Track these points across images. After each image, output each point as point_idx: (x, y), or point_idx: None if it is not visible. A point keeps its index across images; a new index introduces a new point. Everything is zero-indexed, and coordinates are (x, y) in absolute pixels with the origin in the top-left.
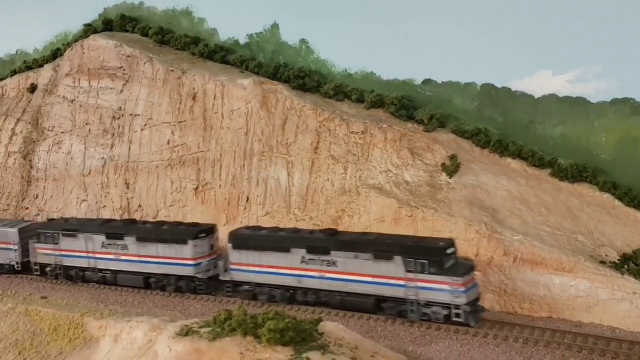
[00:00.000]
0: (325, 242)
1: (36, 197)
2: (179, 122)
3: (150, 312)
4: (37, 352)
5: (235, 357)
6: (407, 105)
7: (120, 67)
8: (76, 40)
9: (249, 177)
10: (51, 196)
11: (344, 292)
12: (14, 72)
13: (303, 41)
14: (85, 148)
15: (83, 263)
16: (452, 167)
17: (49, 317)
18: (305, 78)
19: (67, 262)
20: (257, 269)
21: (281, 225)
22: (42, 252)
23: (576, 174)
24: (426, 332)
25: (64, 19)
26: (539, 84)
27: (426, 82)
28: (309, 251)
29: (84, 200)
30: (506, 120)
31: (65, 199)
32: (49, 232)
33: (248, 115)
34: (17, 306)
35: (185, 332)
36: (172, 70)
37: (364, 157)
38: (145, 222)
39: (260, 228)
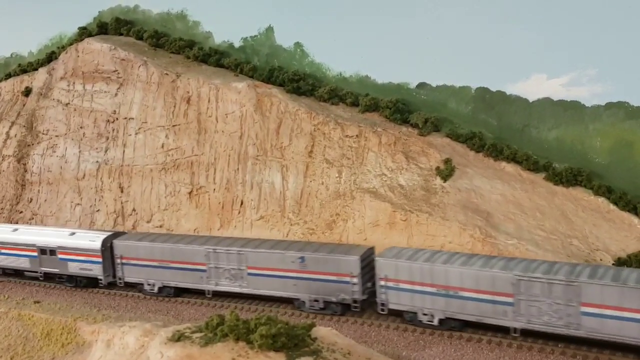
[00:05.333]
0: None
1: (30, 201)
2: (174, 125)
3: (143, 316)
4: (29, 357)
5: None
6: (402, 109)
7: (114, 71)
8: (71, 44)
9: (244, 181)
10: (45, 200)
11: None
12: (8, 76)
13: (298, 44)
14: (79, 152)
15: None
16: (446, 171)
17: (41, 321)
18: (300, 81)
19: None
20: None
21: (276, 230)
22: None
23: (571, 178)
24: (420, 337)
25: (59, 22)
26: (533, 87)
27: (421, 85)
28: None
29: (78, 204)
30: (501, 124)
31: (59, 202)
32: None
33: (242, 119)
34: (10, 311)
35: (177, 338)
36: (166, 74)
37: (359, 161)
38: None
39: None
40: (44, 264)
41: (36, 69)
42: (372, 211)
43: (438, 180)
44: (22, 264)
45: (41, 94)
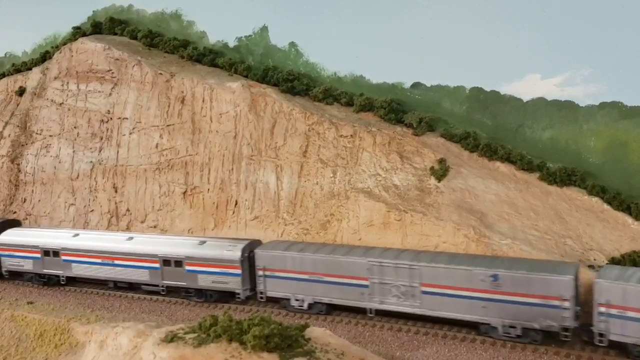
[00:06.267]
0: None
1: (24, 201)
2: (168, 125)
3: (137, 317)
4: (22, 358)
5: None
6: (396, 108)
7: (108, 70)
8: (65, 43)
9: (238, 181)
10: (39, 200)
11: None
12: (2, 75)
13: (292, 44)
14: (73, 152)
15: None
16: (441, 171)
17: (35, 322)
18: (295, 81)
19: None
20: None
21: (270, 230)
22: None
23: (565, 177)
24: (414, 337)
25: (53, 22)
26: (527, 87)
27: (415, 85)
28: None
29: (72, 204)
30: (495, 123)
31: (53, 203)
32: None
33: (237, 119)
34: (3, 312)
35: (170, 339)
36: (160, 74)
37: (353, 160)
38: None
39: None
40: (167, 276)
41: (30, 69)
42: (367, 211)
43: (432, 180)
44: (140, 277)
45: (35, 94)
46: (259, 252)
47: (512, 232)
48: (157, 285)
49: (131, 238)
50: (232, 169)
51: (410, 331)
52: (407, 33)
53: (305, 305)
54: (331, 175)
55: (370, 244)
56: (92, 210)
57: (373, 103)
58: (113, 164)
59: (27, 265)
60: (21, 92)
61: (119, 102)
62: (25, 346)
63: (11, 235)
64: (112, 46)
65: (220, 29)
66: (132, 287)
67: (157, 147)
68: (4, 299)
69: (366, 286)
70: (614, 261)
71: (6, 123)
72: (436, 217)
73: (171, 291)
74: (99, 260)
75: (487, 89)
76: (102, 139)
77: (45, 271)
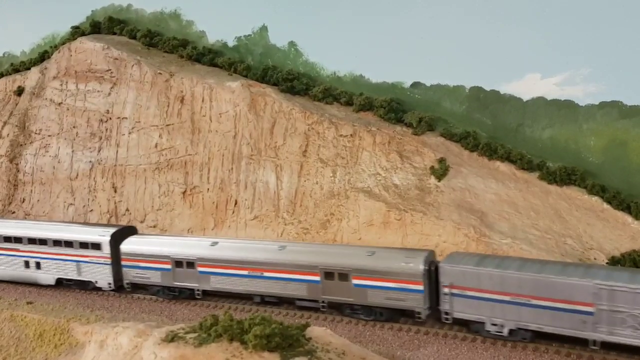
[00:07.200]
0: None
1: (23, 201)
2: (167, 125)
3: (136, 317)
4: (22, 358)
5: None
6: (396, 108)
7: (108, 70)
8: (64, 43)
9: (238, 181)
10: (38, 200)
11: None
12: (0, 75)
13: (292, 44)
14: (72, 151)
15: None
16: (441, 171)
17: (34, 322)
18: (294, 81)
19: None
20: None
21: (270, 230)
22: None
23: (565, 177)
24: (415, 336)
25: (52, 22)
26: (527, 87)
27: (415, 85)
28: None
29: (71, 204)
30: (495, 123)
31: (52, 202)
32: None
33: (236, 119)
34: (2, 312)
35: (171, 338)
36: (160, 73)
37: (353, 160)
38: None
39: None
40: (329, 291)
41: (29, 69)
42: (367, 211)
43: (432, 180)
44: (295, 291)
45: (34, 94)
46: (445, 267)
47: (512, 232)
48: (316, 301)
49: (284, 247)
50: (232, 168)
51: (411, 330)
52: (407, 33)
53: (505, 332)
54: (331, 174)
55: (371, 243)
56: (91, 210)
57: (373, 102)
58: (112, 164)
59: (155, 278)
60: (20, 91)
61: (118, 101)
62: (24, 346)
63: (134, 244)
64: (111, 46)
65: (219, 28)
66: (282, 302)
67: (156, 146)
68: (3, 299)
69: (590, 313)
70: (614, 260)
71: (5, 123)
72: (436, 216)
73: (332, 307)
74: (244, 272)
75: (487, 88)
76: (101, 138)
77: (177, 284)
